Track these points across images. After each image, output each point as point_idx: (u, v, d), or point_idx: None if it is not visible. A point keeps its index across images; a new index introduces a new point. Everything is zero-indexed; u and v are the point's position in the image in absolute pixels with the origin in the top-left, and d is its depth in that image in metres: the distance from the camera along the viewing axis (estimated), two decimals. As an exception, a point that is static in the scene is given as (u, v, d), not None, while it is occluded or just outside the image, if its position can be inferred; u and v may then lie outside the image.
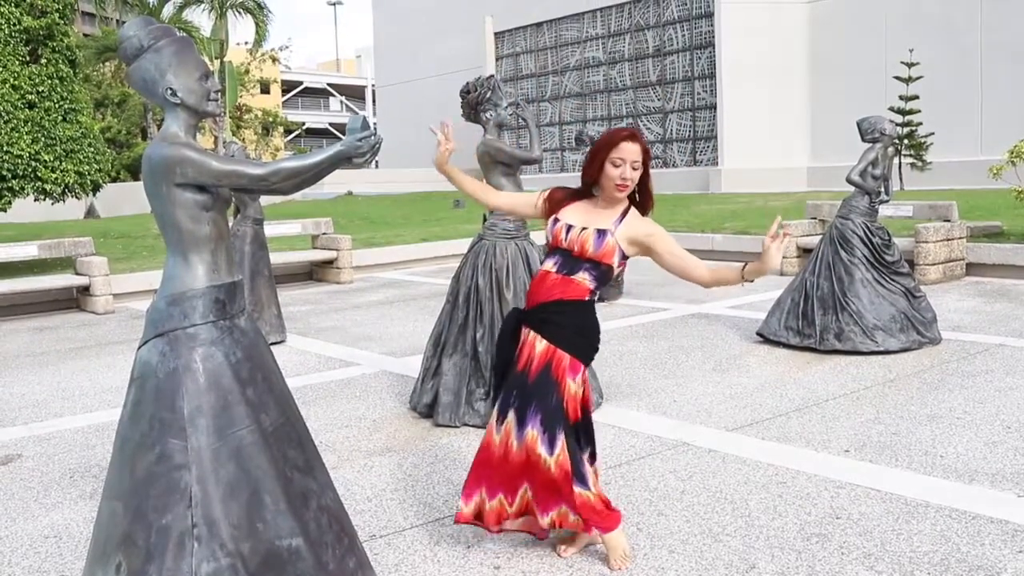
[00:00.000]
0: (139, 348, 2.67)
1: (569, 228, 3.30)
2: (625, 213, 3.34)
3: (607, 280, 3.35)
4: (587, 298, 3.30)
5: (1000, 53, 22.06)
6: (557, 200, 3.42)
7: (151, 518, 2.51)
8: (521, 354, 3.33)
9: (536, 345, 3.28)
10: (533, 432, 3.23)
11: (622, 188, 3.27)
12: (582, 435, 3.36)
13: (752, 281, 3.18)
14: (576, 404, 3.30)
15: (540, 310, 3.30)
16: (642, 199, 3.40)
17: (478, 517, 3.39)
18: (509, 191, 5.38)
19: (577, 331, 3.30)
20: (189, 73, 2.69)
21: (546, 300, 3.28)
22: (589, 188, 3.38)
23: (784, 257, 11.54)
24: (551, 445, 3.23)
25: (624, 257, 3.31)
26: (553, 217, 3.37)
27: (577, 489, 3.27)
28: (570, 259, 3.29)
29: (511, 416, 3.29)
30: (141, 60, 2.68)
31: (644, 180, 3.34)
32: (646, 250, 3.33)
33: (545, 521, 3.32)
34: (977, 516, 3.72)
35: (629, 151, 3.25)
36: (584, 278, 3.28)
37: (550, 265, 3.33)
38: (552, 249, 3.36)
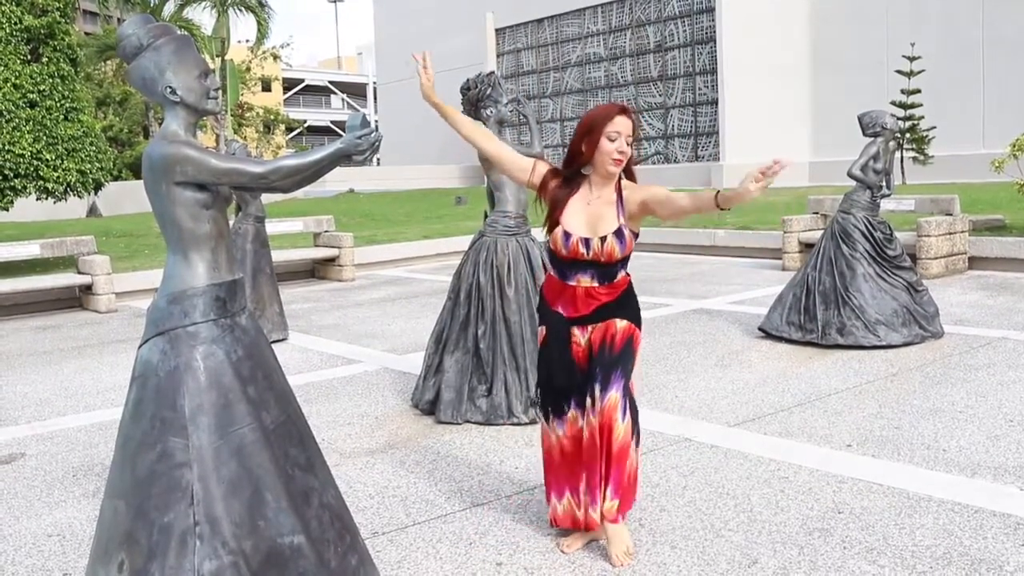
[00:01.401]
0: (140, 347, 2.68)
1: (587, 242, 3.28)
2: (619, 192, 3.33)
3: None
4: (630, 278, 3.46)
5: (1002, 47, 22.02)
6: (553, 196, 3.37)
7: (153, 516, 2.51)
8: (594, 337, 3.37)
9: (616, 323, 3.36)
10: (615, 395, 3.28)
11: (618, 162, 3.27)
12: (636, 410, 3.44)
13: (727, 209, 3.09)
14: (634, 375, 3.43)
15: (605, 309, 3.35)
16: (627, 175, 3.39)
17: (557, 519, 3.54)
18: (511, 187, 5.39)
19: (638, 306, 3.47)
20: (188, 71, 2.69)
21: (605, 303, 3.34)
22: (578, 170, 3.36)
23: (786, 252, 11.55)
24: (624, 412, 3.30)
25: (635, 235, 3.37)
26: (562, 231, 3.32)
27: (632, 451, 3.33)
28: (602, 268, 3.32)
29: (596, 390, 3.31)
30: (140, 59, 2.68)
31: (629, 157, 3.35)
32: (644, 215, 3.37)
33: (596, 514, 3.35)
34: (979, 510, 3.72)
35: (624, 124, 3.25)
36: (622, 273, 3.40)
37: (588, 280, 3.33)
38: (571, 260, 3.33)
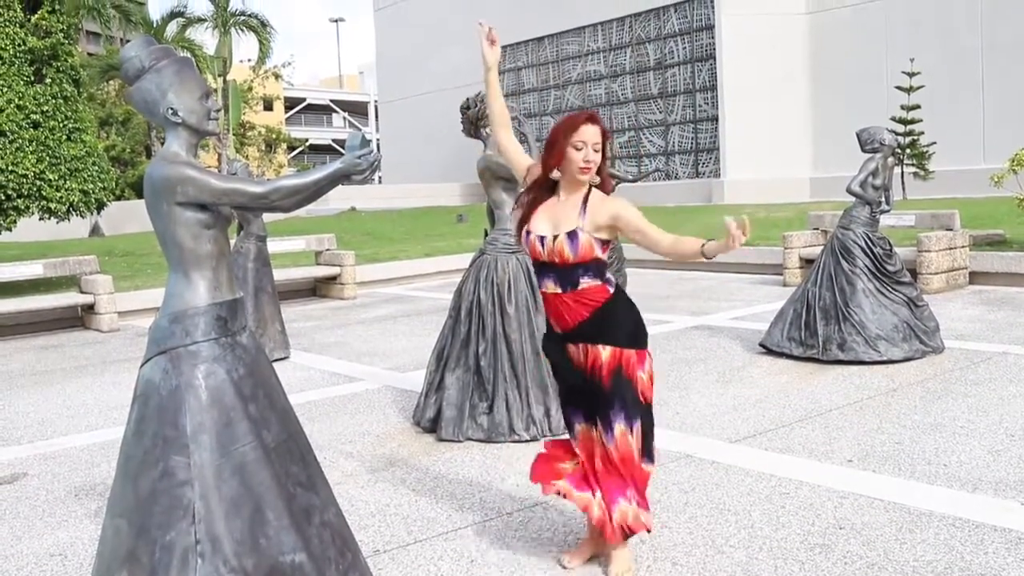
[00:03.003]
0: (142, 366, 2.70)
1: (542, 240, 3.30)
2: (586, 200, 3.31)
3: (607, 267, 3.36)
4: (612, 291, 3.33)
5: (1002, 61, 22.10)
6: (531, 198, 3.39)
7: (155, 535, 2.52)
8: (584, 365, 3.35)
9: (601, 353, 3.30)
10: (621, 427, 3.30)
11: (585, 171, 3.27)
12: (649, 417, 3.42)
13: (711, 258, 3.14)
14: (648, 390, 3.36)
15: (586, 325, 3.30)
16: (603, 186, 3.39)
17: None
18: (510, 204, 5.42)
19: (631, 324, 3.34)
20: (190, 93, 2.73)
21: (583, 319, 3.30)
22: (548, 176, 3.34)
23: (787, 268, 11.57)
24: (632, 431, 3.31)
25: (605, 243, 3.30)
26: (525, 230, 3.37)
27: (644, 465, 3.37)
28: (561, 271, 3.29)
29: (601, 431, 3.34)
30: (142, 81, 2.71)
31: (600, 164, 3.33)
32: (615, 231, 3.31)
33: (613, 522, 3.32)
34: (980, 525, 3.72)
35: (590, 133, 3.26)
36: (589, 281, 3.28)
37: (552, 286, 3.32)
38: (538, 264, 3.36)
